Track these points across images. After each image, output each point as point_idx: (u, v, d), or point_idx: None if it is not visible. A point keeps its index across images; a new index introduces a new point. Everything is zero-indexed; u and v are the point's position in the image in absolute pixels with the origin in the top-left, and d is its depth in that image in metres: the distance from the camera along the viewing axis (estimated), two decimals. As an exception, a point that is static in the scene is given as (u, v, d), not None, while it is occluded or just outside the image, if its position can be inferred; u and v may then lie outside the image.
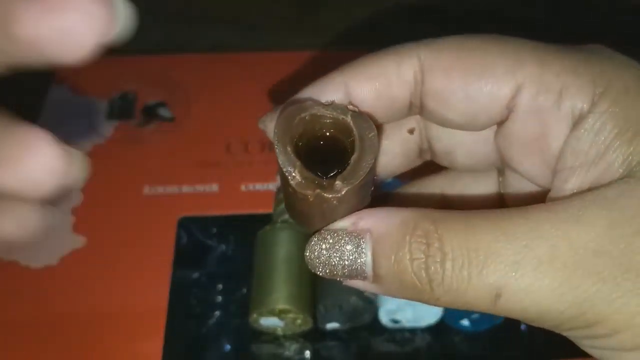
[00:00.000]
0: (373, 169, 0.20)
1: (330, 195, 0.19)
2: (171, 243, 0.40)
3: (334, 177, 0.19)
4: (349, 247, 0.20)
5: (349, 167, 0.19)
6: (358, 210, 0.20)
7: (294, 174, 0.19)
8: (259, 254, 0.38)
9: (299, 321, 0.36)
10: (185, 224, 0.42)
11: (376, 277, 0.19)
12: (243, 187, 0.44)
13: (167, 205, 0.43)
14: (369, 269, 0.19)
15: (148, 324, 0.36)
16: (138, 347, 0.36)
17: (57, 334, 0.36)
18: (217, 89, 0.51)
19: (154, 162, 0.46)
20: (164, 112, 0.50)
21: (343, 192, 0.19)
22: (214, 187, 0.44)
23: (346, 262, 0.20)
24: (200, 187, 0.44)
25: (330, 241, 0.20)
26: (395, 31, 0.57)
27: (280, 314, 0.35)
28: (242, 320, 0.37)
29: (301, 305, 0.35)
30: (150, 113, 0.49)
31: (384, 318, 0.37)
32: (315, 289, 0.36)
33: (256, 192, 0.44)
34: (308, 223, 0.21)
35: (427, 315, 0.37)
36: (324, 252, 0.20)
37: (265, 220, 0.40)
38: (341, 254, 0.20)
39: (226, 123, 0.49)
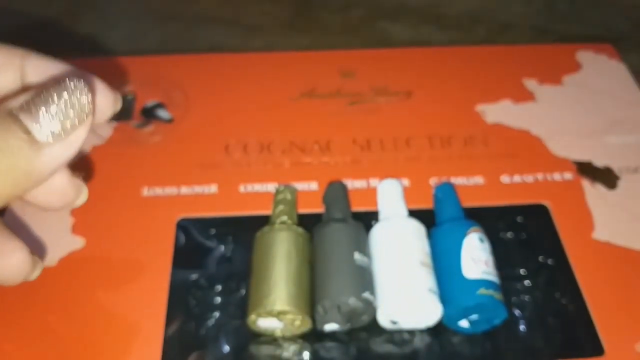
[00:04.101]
0: None
1: None
2: (170, 244, 0.40)
3: None
4: None
5: None
6: None
7: None
8: (257, 255, 0.38)
9: (297, 322, 0.36)
10: (184, 225, 0.42)
11: None
12: (242, 188, 0.44)
13: (166, 207, 0.43)
14: None
15: (147, 325, 0.36)
16: (137, 349, 0.35)
17: (55, 335, 0.36)
18: (216, 90, 0.51)
19: (152, 163, 0.46)
20: (162, 113, 0.50)
21: None
22: (213, 189, 0.44)
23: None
24: (199, 189, 0.44)
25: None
26: (394, 31, 0.57)
27: (278, 315, 0.35)
28: (241, 322, 0.37)
29: (300, 307, 0.35)
30: (149, 114, 0.49)
31: (383, 319, 0.37)
32: (314, 290, 0.36)
33: (255, 193, 0.44)
34: None
35: (426, 317, 0.36)
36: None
37: (264, 221, 0.40)
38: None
39: (225, 124, 0.49)
